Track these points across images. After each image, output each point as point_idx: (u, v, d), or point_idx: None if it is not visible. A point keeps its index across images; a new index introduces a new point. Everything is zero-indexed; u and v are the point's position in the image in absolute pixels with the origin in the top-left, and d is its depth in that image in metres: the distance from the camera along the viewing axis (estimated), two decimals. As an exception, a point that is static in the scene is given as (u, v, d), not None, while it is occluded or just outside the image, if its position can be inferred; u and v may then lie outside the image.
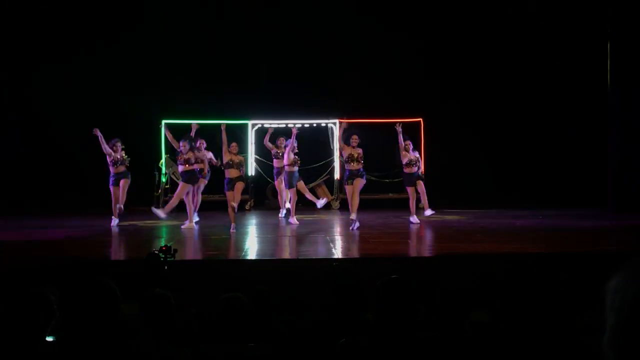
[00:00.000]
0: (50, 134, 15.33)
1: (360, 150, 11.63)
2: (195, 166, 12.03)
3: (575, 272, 4.77)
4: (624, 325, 1.45)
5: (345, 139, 11.78)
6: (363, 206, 12.33)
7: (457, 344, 3.43)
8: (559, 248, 8.99)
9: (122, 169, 11.99)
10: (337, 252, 9.12)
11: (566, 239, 10.11)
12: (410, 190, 12.43)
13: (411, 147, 12.48)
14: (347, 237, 10.77)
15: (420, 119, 15.98)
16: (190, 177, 11.92)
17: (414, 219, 12.27)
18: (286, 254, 9.41)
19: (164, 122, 14.96)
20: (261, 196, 15.97)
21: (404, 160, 12.39)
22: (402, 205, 15.66)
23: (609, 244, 9.49)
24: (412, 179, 12.43)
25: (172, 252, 5.89)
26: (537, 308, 2.54)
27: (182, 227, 11.62)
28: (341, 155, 12.55)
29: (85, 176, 14.45)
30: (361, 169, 11.59)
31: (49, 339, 3.37)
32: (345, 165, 11.75)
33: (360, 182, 11.55)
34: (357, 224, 11.25)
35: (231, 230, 10.99)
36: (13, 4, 14.87)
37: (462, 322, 3.57)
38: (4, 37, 14.77)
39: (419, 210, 12.84)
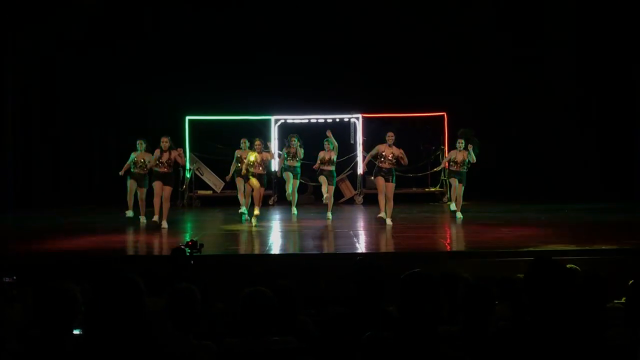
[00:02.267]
0: (70, 129, 15.46)
1: (394, 150, 11.08)
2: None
3: (596, 267, 4.75)
4: None
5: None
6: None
7: (481, 338, 3.43)
8: (583, 243, 8.88)
9: (142, 171, 11.91)
10: (361, 247, 9.13)
11: (591, 233, 10.01)
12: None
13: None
14: (370, 231, 10.76)
15: (444, 113, 15.91)
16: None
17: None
18: (310, 249, 9.40)
19: (187, 117, 15.09)
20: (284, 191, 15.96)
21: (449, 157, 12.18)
22: (426, 200, 15.67)
23: (632, 238, 9.35)
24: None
25: (198, 247, 5.95)
26: (559, 302, 2.53)
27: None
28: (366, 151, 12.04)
29: (107, 171, 14.47)
30: (392, 169, 11.13)
31: (76, 332, 3.42)
32: (376, 162, 11.29)
33: (390, 187, 11.09)
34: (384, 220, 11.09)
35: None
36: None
37: (486, 316, 3.57)
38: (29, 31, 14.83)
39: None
